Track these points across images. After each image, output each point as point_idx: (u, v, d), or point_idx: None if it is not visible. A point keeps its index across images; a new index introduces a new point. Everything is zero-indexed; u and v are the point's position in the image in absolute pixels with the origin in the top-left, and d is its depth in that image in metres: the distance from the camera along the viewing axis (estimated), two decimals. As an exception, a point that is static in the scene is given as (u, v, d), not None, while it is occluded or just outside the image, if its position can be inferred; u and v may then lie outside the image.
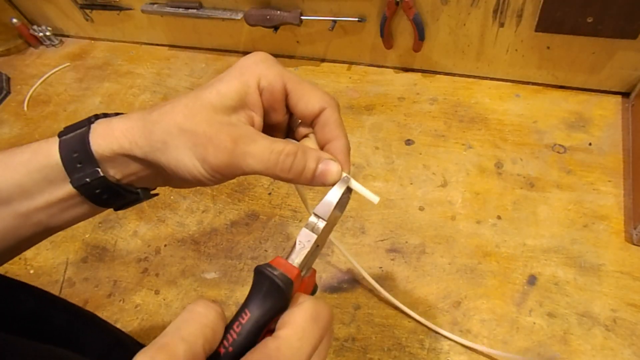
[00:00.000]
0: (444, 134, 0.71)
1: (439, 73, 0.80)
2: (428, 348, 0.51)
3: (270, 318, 0.24)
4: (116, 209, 0.33)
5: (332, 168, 0.29)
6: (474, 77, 0.77)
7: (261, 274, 0.25)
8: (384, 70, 0.83)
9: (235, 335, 0.23)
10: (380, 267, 0.58)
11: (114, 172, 0.30)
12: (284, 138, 0.33)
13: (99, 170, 0.28)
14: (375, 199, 0.30)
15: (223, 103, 0.28)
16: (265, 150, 0.27)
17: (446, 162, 0.67)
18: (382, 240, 0.61)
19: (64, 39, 1.08)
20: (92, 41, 1.06)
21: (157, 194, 0.34)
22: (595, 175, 0.62)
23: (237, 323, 0.24)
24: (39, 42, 1.06)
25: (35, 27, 1.04)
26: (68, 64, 1.01)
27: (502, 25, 0.67)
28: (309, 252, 0.27)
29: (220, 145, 0.26)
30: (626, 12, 0.57)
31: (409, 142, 0.71)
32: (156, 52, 0.99)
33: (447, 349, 0.51)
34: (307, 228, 0.28)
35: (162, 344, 0.21)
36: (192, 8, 0.84)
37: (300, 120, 0.32)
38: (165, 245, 0.66)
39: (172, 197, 0.71)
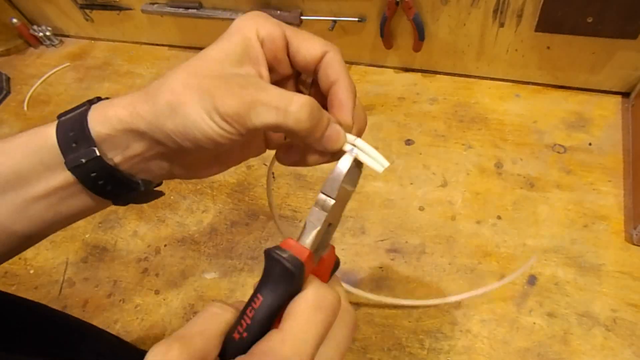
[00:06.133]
0: (444, 134, 0.71)
1: (439, 73, 0.80)
2: (428, 348, 0.51)
3: (283, 302, 0.23)
4: (115, 203, 0.31)
5: (339, 131, 0.27)
6: (474, 77, 0.77)
7: (270, 257, 0.24)
8: (384, 70, 0.83)
9: (249, 321, 0.23)
10: (380, 267, 0.58)
11: (114, 154, 0.28)
12: None
13: (95, 149, 0.27)
14: (380, 168, 0.28)
15: (228, 58, 0.27)
16: (277, 96, 0.25)
17: (446, 162, 0.67)
18: (382, 240, 0.61)
19: (64, 39, 1.08)
20: (92, 41, 1.06)
21: (161, 193, 0.33)
22: (595, 175, 0.62)
23: (249, 308, 0.23)
24: (39, 42, 1.06)
25: (35, 27, 1.04)
26: (68, 64, 1.01)
27: (502, 25, 0.67)
28: (319, 231, 0.26)
29: (229, 91, 0.25)
30: (626, 12, 0.57)
31: (409, 142, 0.71)
32: (156, 52, 0.99)
33: (447, 349, 0.51)
34: (316, 207, 0.26)
35: (179, 335, 0.22)
36: (192, 8, 0.84)
37: (306, 78, 0.31)
38: (165, 245, 0.66)
39: (172, 197, 0.71)
